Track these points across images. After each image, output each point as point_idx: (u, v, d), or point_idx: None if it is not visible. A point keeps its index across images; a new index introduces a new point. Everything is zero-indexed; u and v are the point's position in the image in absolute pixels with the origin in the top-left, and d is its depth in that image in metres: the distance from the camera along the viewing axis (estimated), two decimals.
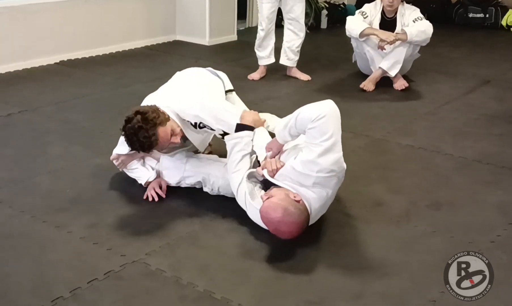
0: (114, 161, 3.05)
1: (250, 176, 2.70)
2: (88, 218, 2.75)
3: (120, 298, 2.22)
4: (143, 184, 3.02)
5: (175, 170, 2.98)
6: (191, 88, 3.03)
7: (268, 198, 2.48)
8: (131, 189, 3.05)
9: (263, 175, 2.62)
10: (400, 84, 4.92)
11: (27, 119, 4.08)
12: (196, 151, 3.07)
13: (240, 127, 2.78)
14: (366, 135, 3.87)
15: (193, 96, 2.91)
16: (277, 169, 2.56)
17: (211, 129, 2.88)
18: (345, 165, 2.56)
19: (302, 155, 2.48)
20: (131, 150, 2.85)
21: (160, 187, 2.97)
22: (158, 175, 3.02)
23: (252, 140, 2.79)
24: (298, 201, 2.46)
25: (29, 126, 3.94)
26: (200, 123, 2.85)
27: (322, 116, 2.40)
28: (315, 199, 2.52)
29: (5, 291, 2.23)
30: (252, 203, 2.60)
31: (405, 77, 5.03)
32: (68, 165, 3.34)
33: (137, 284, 2.29)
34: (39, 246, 2.53)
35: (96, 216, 2.78)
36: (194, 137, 2.94)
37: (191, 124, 2.88)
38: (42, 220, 2.73)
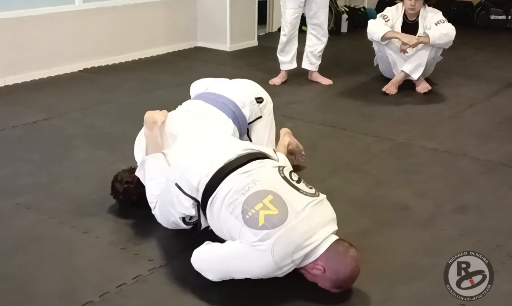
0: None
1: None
2: (115, 223, 2.78)
3: (150, 302, 2.23)
4: None
5: None
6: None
7: (323, 270, 2.19)
8: None
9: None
10: (423, 87, 4.89)
11: (53, 125, 4.13)
12: None
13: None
14: (389, 139, 3.85)
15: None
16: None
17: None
18: None
19: None
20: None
21: None
22: None
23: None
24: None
25: (54, 132, 4.00)
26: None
27: None
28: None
29: (33, 295, 2.26)
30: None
31: (427, 80, 5.01)
32: (94, 169, 3.38)
33: (165, 288, 2.31)
34: (67, 251, 2.56)
35: (123, 221, 2.80)
36: None
37: None
38: (70, 225, 2.76)
